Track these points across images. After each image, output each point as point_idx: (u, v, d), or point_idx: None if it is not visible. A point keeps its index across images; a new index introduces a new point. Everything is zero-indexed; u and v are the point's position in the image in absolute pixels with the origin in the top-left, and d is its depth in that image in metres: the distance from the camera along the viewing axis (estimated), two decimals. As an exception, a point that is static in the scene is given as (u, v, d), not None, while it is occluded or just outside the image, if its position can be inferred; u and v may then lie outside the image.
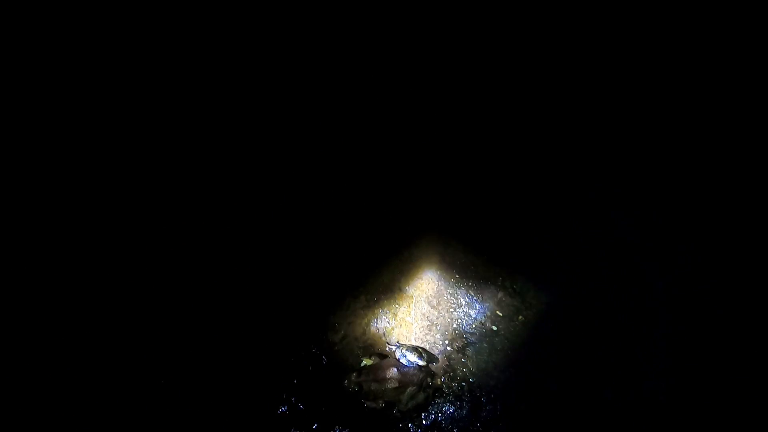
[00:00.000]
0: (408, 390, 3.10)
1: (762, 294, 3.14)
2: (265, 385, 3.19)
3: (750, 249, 3.24)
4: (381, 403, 3.07)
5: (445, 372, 3.28)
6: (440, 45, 3.46)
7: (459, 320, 3.50)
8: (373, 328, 3.49)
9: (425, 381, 3.18)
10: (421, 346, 3.37)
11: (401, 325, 3.51)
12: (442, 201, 4.00)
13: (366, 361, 3.28)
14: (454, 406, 3.14)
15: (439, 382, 3.22)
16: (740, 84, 2.91)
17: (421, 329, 3.48)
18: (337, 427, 3.06)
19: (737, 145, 3.07)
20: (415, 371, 3.15)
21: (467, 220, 3.93)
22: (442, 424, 3.10)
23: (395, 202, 4.00)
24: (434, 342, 3.42)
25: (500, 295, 3.58)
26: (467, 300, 3.58)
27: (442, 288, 3.66)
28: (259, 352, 3.33)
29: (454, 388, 3.20)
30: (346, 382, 3.07)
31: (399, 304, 3.60)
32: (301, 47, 3.26)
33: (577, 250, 3.77)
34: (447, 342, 3.41)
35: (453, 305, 3.57)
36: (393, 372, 3.09)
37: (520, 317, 3.47)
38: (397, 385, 3.06)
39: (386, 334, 3.48)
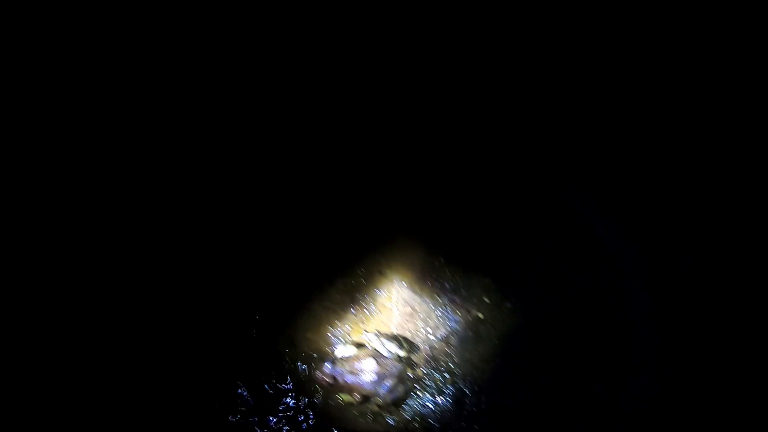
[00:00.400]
0: (386, 381, 2.84)
1: (756, 289, 2.93)
2: (225, 374, 2.89)
3: (743, 239, 3.01)
4: (357, 396, 2.80)
5: (427, 362, 3.03)
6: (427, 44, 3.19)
7: (443, 307, 3.25)
8: (349, 315, 3.21)
9: (405, 372, 2.93)
10: (402, 334, 3.11)
11: (381, 312, 3.24)
12: (429, 184, 3.69)
13: (341, 351, 3.00)
14: (436, 400, 2.90)
15: (420, 374, 2.98)
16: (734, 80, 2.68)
17: (402, 316, 3.22)
18: (309, 421, 2.79)
19: (723, 137, 2.82)
20: (395, 362, 2.89)
21: (456, 205, 3.64)
22: (423, 418, 2.86)
23: (378, 184, 3.68)
24: (416, 330, 3.17)
25: (487, 280, 3.34)
26: (452, 285, 3.33)
27: (426, 272, 3.39)
28: (221, 336, 3.02)
29: (437, 380, 2.96)
30: (318, 373, 2.79)
31: (379, 289, 3.32)
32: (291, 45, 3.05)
33: (567, 239, 3.54)
34: (430, 330, 3.16)
35: (437, 291, 3.32)
36: (370, 363, 2.83)
37: (507, 304, 3.24)
38: (375, 377, 2.79)
39: (364, 321, 3.20)
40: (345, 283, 3.33)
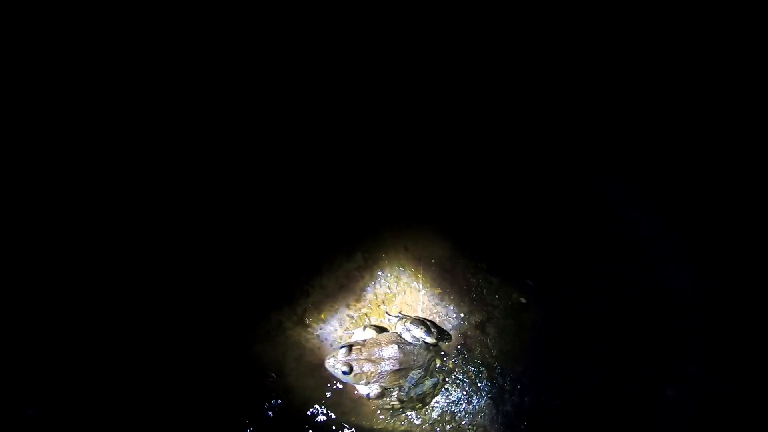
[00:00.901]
0: (411, 373, 2.40)
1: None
2: (231, 360, 2.50)
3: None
4: (376, 389, 2.37)
5: (460, 353, 2.58)
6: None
7: (478, 289, 2.77)
8: (369, 294, 2.77)
9: (433, 363, 2.48)
10: (430, 319, 2.66)
11: (405, 292, 2.78)
12: (467, 163, 3.18)
13: (359, 335, 2.57)
14: (470, 397, 2.45)
15: (451, 365, 2.53)
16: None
17: (431, 299, 2.76)
18: (322, 416, 2.38)
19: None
20: (421, 350, 2.44)
21: (493, 184, 3.12)
22: (453, 417, 2.42)
23: (401, 149, 3.19)
24: (446, 315, 2.70)
25: (529, 263, 2.84)
26: (489, 263, 2.84)
27: (459, 250, 2.91)
28: (227, 318, 2.63)
29: (471, 373, 2.51)
30: (331, 360, 2.36)
31: (404, 267, 2.86)
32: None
33: (609, 227, 3.00)
34: (462, 316, 2.69)
35: (471, 270, 2.84)
36: (393, 350, 2.39)
37: (555, 288, 2.74)
38: (397, 366, 2.35)
39: (386, 302, 2.76)
40: (364, 257, 2.88)
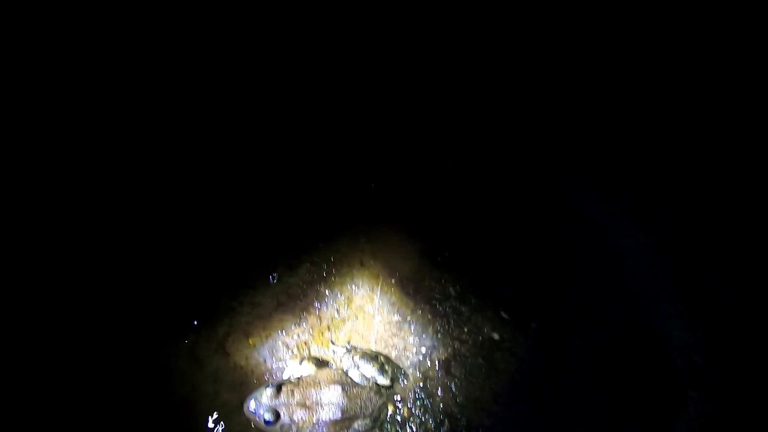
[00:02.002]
0: (356, 424, 1.87)
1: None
2: (117, 392, 1.87)
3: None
4: (308, 444, 1.82)
5: (418, 398, 2.08)
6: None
7: (444, 319, 2.31)
8: (312, 318, 2.23)
9: (384, 411, 1.97)
10: (385, 353, 2.15)
11: (357, 318, 2.27)
12: (441, 159, 2.79)
13: (294, 370, 2.02)
14: (427, 457, 1.95)
15: (406, 414, 2.02)
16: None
17: (387, 328, 2.26)
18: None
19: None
20: (371, 394, 1.92)
21: (472, 190, 2.73)
22: (404, 484, 1.90)
23: (369, 146, 2.74)
24: (404, 349, 2.21)
25: (505, 290, 2.42)
26: (459, 290, 2.40)
27: (425, 269, 2.46)
28: (120, 337, 2.00)
29: (430, 426, 2.01)
30: (252, 402, 1.79)
31: (357, 286, 2.36)
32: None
33: (605, 252, 2.68)
34: (424, 351, 2.21)
35: (437, 295, 2.38)
36: (335, 393, 1.85)
37: (533, 324, 2.33)
38: (339, 415, 1.82)
39: (332, 328, 2.23)
40: (310, 271, 2.36)
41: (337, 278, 2.36)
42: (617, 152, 2.76)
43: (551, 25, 2.57)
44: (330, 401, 1.83)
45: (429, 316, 2.31)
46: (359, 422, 1.87)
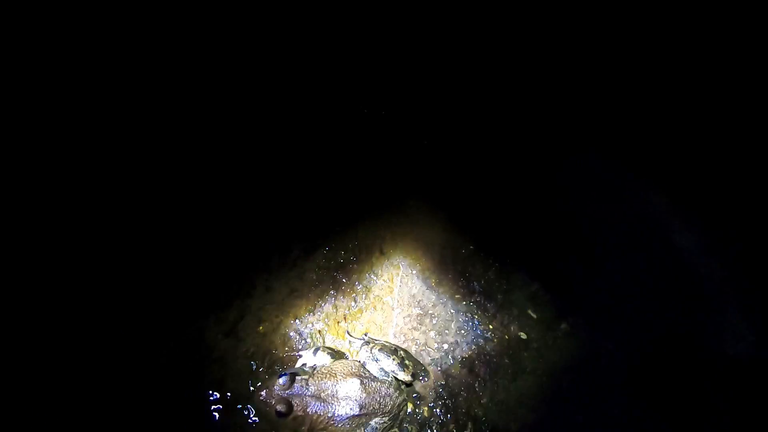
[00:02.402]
0: (373, 421, 1.73)
1: None
2: (122, 376, 1.75)
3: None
4: (321, 440, 1.68)
5: (439, 398, 1.93)
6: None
7: (468, 315, 2.16)
8: (328, 306, 2.10)
9: (404, 408, 1.82)
10: (404, 347, 2.01)
11: (375, 309, 2.13)
12: (469, 143, 2.66)
13: (308, 359, 1.88)
14: (448, 461, 1.81)
15: (426, 413, 1.88)
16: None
17: (407, 321, 2.12)
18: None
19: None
20: (390, 390, 1.78)
21: (503, 175, 2.59)
22: (422, 488, 1.76)
23: (390, 132, 2.62)
24: (424, 344, 2.07)
25: (536, 286, 2.27)
26: (484, 285, 2.25)
27: (448, 260, 2.31)
28: (127, 320, 1.87)
29: (451, 428, 1.86)
30: (265, 392, 1.65)
31: (377, 275, 2.22)
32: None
33: (649, 249, 2.52)
34: (446, 348, 2.06)
35: (461, 290, 2.23)
36: (352, 386, 1.71)
37: (563, 325, 2.18)
38: (356, 411, 1.68)
39: (349, 319, 2.09)
40: (327, 257, 2.22)
41: (355, 266, 2.23)
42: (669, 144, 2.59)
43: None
44: (347, 395, 1.69)
45: (452, 311, 2.17)
46: (377, 420, 1.73)
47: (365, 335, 2.01)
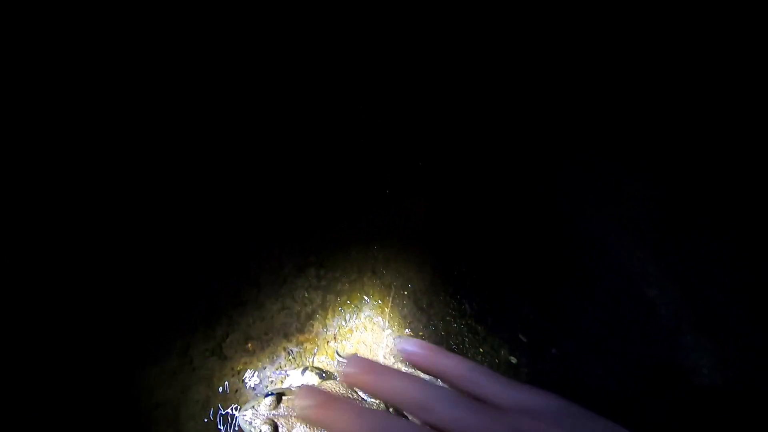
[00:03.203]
0: (359, 445, 1.67)
1: None
2: (97, 392, 1.70)
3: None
4: (306, 464, 1.63)
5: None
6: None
7: (459, 337, 2.15)
8: (318, 325, 2.07)
9: None
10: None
11: (366, 329, 2.11)
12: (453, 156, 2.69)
13: (296, 379, 1.84)
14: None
15: (414, 438, 1.83)
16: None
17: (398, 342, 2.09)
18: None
19: None
20: (375, 410, 1.74)
21: (497, 199, 2.62)
22: None
23: (386, 143, 2.65)
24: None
25: (527, 309, 2.28)
26: (475, 307, 2.25)
27: (440, 282, 2.31)
28: (107, 333, 1.83)
29: (440, 453, 1.81)
30: (248, 412, 1.62)
31: (368, 296, 2.20)
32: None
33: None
34: (436, 370, 2.03)
35: (452, 311, 2.23)
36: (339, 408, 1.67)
37: (553, 350, 2.17)
38: (342, 434, 1.63)
39: (339, 338, 2.07)
40: (319, 275, 2.21)
41: (346, 285, 2.21)
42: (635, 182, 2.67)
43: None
44: (333, 417, 1.65)
45: (443, 332, 2.15)
46: (364, 443, 1.68)
47: (355, 355, 1.98)
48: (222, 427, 1.71)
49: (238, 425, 1.65)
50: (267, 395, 1.63)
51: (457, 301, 2.26)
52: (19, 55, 2.07)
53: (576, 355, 2.18)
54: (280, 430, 1.59)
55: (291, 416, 1.62)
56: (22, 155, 2.05)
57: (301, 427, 1.61)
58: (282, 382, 1.86)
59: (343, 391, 1.74)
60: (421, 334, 2.13)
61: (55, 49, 2.16)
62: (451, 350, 2.01)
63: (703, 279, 2.48)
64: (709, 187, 2.61)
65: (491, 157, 2.79)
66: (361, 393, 1.78)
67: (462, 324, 2.19)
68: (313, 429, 1.63)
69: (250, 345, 1.95)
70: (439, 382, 0.52)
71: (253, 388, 1.84)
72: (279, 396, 1.65)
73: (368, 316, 2.15)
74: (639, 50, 2.66)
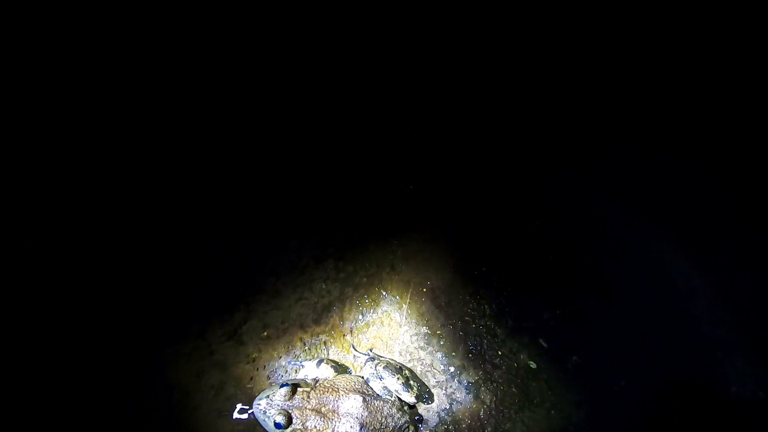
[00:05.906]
0: (373, 441, 1.66)
1: None
2: (115, 376, 1.71)
3: None
4: (318, 456, 1.61)
5: (442, 422, 1.86)
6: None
7: (478, 338, 2.10)
8: (334, 318, 2.05)
9: (405, 431, 1.75)
10: (409, 366, 1.95)
11: (383, 324, 2.08)
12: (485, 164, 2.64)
13: (310, 370, 1.83)
14: (447, 491, 1.73)
15: (427, 439, 1.81)
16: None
17: (414, 339, 2.06)
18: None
19: None
20: (393, 410, 1.72)
21: (519, 201, 2.56)
22: None
23: (405, 143, 2.61)
24: (431, 365, 2.00)
25: (548, 315, 2.21)
26: (495, 308, 2.19)
27: (460, 281, 2.26)
28: (128, 319, 1.84)
29: (453, 455, 1.79)
30: (263, 401, 1.60)
31: (386, 290, 2.17)
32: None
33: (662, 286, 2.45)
34: (452, 371, 1.99)
35: (472, 310, 2.17)
36: (355, 403, 1.65)
37: (574, 357, 2.10)
38: (356, 428, 1.62)
39: (355, 332, 2.04)
40: (337, 267, 2.18)
41: (364, 279, 2.18)
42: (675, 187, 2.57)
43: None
44: (348, 411, 1.63)
45: (461, 332, 2.11)
46: (377, 440, 1.66)
47: (370, 351, 1.96)
48: (235, 415, 1.70)
49: (252, 413, 1.63)
50: (282, 386, 1.61)
51: (476, 301, 2.21)
52: (23, 55, 2.10)
53: (599, 365, 2.11)
54: (294, 421, 1.57)
55: (305, 408, 1.60)
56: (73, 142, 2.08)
57: (315, 419, 1.59)
58: (296, 372, 1.84)
59: (357, 386, 1.72)
60: (438, 332, 2.09)
61: (57, 49, 2.18)
62: (469, 352, 1.97)
63: (742, 295, 2.38)
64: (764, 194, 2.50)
65: (518, 159, 2.72)
66: (374, 387, 1.75)
67: (481, 325, 2.14)
68: (327, 423, 1.61)
69: (266, 332, 1.94)
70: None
71: (268, 377, 1.82)
72: (294, 387, 1.63)
73: (385, 311, 2.11)
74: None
